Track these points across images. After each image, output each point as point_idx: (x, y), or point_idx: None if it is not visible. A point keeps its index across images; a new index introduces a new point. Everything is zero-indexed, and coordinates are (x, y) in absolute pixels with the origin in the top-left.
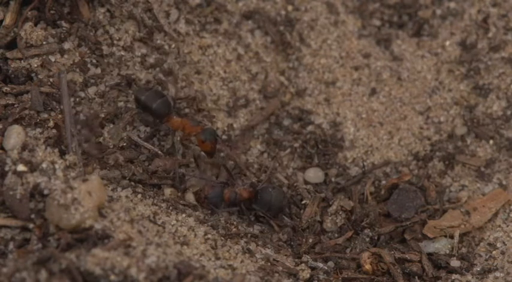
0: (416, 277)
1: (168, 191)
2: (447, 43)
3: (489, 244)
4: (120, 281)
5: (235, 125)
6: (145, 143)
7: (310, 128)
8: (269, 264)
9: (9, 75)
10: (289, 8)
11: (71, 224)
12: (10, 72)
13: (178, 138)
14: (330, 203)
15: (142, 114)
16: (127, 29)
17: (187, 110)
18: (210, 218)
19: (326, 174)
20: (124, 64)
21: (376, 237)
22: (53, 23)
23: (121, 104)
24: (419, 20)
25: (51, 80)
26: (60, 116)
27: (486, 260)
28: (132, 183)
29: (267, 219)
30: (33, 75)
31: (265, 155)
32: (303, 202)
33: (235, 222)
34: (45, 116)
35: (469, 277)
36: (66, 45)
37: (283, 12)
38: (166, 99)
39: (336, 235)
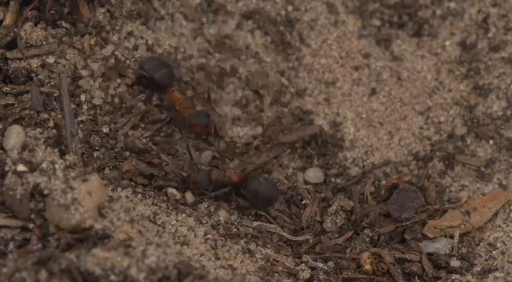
0: (416, 277)
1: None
2: (447, 43)
3: (489, 244)
4: (120, 281)
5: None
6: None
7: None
8: (269, 264)
9: (9, 75)
10: (289, 8)
11: (71, 224)
12: (10, 72)
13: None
14: (330, 203)
15: (146, 83)
16: (127, 30)
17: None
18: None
19: (326, 174)
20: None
21: (376, 237)
22: (53, 23)
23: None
24: (419, 20)
25: (51, 80)
26: (60, 116)
27: (486, 260)
28: (133, 183)
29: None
30: (33, 75)
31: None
32: (303, 202)
33: (235, 222)
34: (45, 116)
35: (469, 277)
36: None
37: (283, 12)
38: (170, 70)
39: (336, 235)
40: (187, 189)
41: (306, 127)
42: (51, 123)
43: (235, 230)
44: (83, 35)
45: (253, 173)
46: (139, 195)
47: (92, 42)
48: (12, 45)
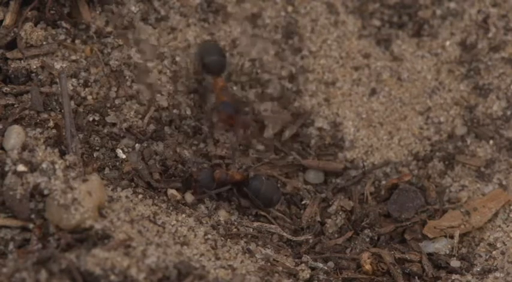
0: (416, 277)
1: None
2: (447, 43)
3: (489, 244)
4: (120, 281)
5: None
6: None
7: (310, 128)
8: (269, 264)
9: (9, 75)
10: (289, 8)
11: (71, 224)
12: (10, 72)
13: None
14: (330, 203)
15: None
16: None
17: None
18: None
19: (326, 175)
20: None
21: (376, 237)
22: (53, 23)
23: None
24: (419, 20)
25: (51, 79)
26: (60, 116)
27: (486, 260)
28: (133, 183)
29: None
30: (33, 75)
31: None
32: (303, 202)
33: (235, 223)
34: (45, 116)
35: (469, 277)
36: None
37: (283, 13)
38: (221, 59)
39: (336, 235)
40: (188, 188)
41: (330, 162)
42: (51, 123)
43: (235, 230)
44: (83, 37)
45: (256, 172)
46: (140, 196)
47: (92, 44)
48: (12, 45)
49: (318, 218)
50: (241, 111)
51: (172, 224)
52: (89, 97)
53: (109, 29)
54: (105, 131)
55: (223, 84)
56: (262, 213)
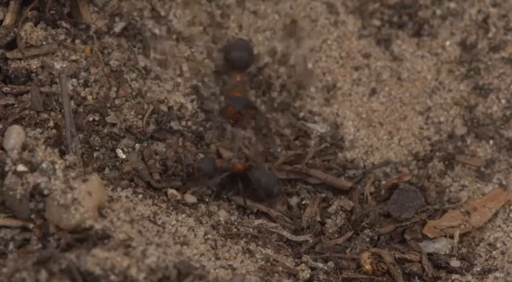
0: (416, 277)
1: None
2: (447, 43)
3: (489, 244)
4: (120, 281)
5: None
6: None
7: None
8: (269, 264)
9: (9, 75)
10: (289, 8)
11: (71, 224)
12: (10, 72)
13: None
14: (330, 203)
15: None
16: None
17: None
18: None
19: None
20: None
21: (376, 237)
22: (53, 23)
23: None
24: (419, 20)
25: (51, 79)
26: (60, 116)
27: (486, 260)
28: (133, 183)
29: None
30: (33, 75)
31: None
32: (303, 202)
33: (235, 222)
34: (45, 116)
35: (469, 277)
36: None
37: (283, 13)
38: (247, 57)
39: (336, 235)
40: (191, 180)
41: (338, 179)
42: (51, 123)
43: (235, 230)
44: (83, 37)
45: (258, 163)
46: (140, 196)
47: (92, 44)
48: (12, 45)
49: (318, 218)
50: (252, 107)
51: (172, 224)
52: (89, 97)
53: (107, 29)
54: (105, 131)
55: (240, 80)
56: (263, 211)
